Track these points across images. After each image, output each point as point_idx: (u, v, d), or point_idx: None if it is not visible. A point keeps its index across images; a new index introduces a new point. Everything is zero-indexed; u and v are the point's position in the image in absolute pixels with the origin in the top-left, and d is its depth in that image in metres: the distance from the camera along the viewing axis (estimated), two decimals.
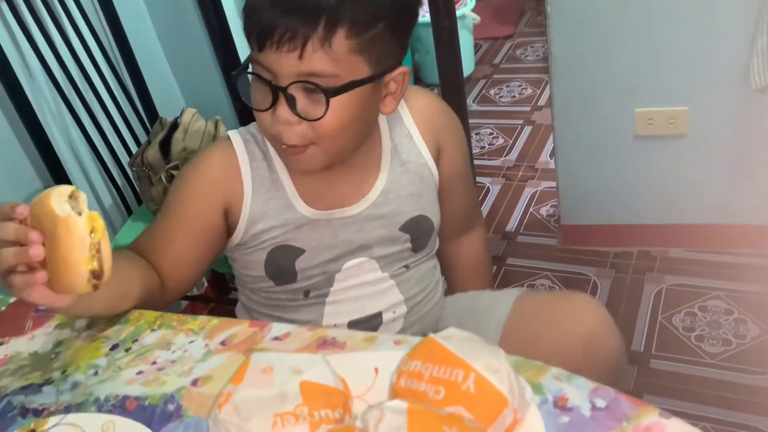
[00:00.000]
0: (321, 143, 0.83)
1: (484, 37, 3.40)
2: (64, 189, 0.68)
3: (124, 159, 1.81)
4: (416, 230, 0.97)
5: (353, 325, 0.96)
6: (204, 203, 0.92)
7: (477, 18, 2.99)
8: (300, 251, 0.93)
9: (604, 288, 1.92)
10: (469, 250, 1.15)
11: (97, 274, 0.66)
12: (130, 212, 1.83)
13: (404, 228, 0.96)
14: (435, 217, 0.99)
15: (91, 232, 0.66)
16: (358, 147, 0.90)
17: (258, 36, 0.77)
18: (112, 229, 1.90)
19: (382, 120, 0.95)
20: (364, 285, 0.96)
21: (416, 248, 0.98)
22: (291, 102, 0.79)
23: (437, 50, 1.27)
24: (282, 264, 0.93)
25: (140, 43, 1.92)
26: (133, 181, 1.82)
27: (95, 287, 0.67)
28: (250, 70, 0.82)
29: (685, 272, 1.90)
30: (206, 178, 0.93)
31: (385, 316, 0.97)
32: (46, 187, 1.80)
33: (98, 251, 0.66)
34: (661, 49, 1.68)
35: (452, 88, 1.30)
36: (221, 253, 0.97)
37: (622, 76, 1.75)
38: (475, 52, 3.28)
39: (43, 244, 0.65)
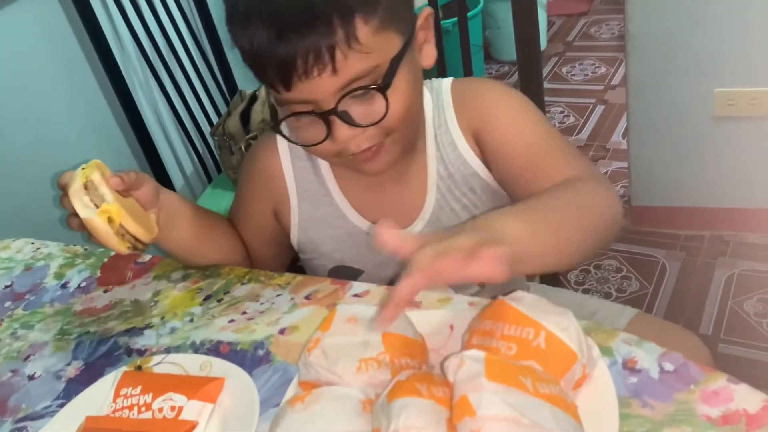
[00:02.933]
0: (393, 134, 0.77)
1: (558, 13, 3.35)
2: (78, 184, 0.77)
3: (206, 129, 1.90)
4: None
5: None
6: (256, 201, 0.94)
7: None
8: (359, 272, 0.91)
9: (673, 271, 1.90)
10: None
11: (135, 245, 0.79)
12: (210, 179, 1.92)
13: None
14: None
15: (110, 221, 0.76)
16: (421, 121, 0.84)
17: (280, 76, 0.70)
18: (193, 195, 2.01)
19: (427, 123, 0.87)
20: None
21: None
22: (347, 118, 0.72)
23: (516, 23, 1.26)
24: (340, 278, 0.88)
25: (223, 17, 1.99)
26: (214, 150, 1.91)
27: (143, 248, 0.81)
28: (286, 114, 0.75)
29: (759, 258, 1.85)
30: (254, 176, 0.94)
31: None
32: (133, 152, 1.91)
33: (125, 232, 0.77)
34: (743, 26, 1.64)
35: (529, 64, 1.30)
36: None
37: (702, 55, 1.72)
38: (548, 29, 3.24)
39: None
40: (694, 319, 1.74)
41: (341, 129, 0.73)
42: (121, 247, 0.78)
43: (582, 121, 2.61)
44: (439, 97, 0.87)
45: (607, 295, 1.88)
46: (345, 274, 0.92)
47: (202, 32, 1.91)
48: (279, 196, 0.92)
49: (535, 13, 1.28)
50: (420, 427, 0.55)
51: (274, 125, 0.77)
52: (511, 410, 0.51)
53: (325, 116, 0.72)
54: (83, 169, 0.79)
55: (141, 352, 0.83)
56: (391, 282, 0.86)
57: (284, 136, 0.80)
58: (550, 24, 3.28)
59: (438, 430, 0.54)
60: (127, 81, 1.72)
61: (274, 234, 0.97)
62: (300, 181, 0.90)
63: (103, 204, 0.76)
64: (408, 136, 0.81)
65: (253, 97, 1.79)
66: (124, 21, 1.68)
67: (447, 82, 0.88)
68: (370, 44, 0.69)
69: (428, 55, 0.80)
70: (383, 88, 0.72)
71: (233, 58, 1.99)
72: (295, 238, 0.95)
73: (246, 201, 0.97)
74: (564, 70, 2.97)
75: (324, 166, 0.90)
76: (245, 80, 2.03)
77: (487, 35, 3.04)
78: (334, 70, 0.69)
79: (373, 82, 0.71)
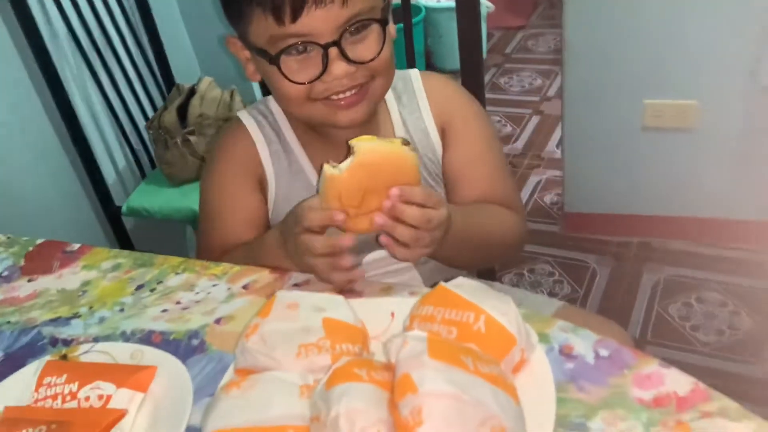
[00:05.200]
0: (375, 80, 0.82)
1: (497, 26, 3.42)
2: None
3: (141, 123, 1.84)
4: None
5: None
6: (247, 190, 0.93)
7: (491, 6, 3.02)
8: None
9: (603, 276, 1.96)
10: None
11: None
12: (144, 175, 1.87)
13: None
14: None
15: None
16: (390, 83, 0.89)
17: (294, 2, 0.74)
18: (125, 190, 1.94)
19: (394, 112, 0.93)
20: (388, 275, 0.95)
21: None
22: (345, 53, 0.77)
23: (459, 33, 1.28)
24: None
25: (161, 10, 1.95)
26: (149, 145, 1.86)
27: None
28: (284, 46, 0.78)
29: (684, 264, 1.93)
30: (236, 168, 0.94)
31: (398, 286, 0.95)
32: (64, 146, 1.84)
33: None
34: (674, 42, 1.71)
35: (472, 73, 1.32)
36: None
37: (634, 68, 1.79)
38: (488, 41, 3.30)
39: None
40: (622, 322, 1.79)
41: (338, 64, 0.77)
42: None
43: (518, 130, 2.67)
44: (408, 84, 0.94)
45: None
46: None
47: (139, 22, 1.86)
48: (261, 179, 0.94)
49: (478, 23, 1.30)
50: (361, 410, 0.54)
51: (271, 59, 0.79)
52: (453, 387, 0.51)
53: (326, 48, 0.76)
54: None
55: (67, 342, 0.80)
56: (357, 253, 0.89)
57: (281, 71, 0.80)
58: (489, 36, 3.35)
59: (380, 412, 0.54)
60: (59, 71, 1.65)
61: (266, 219, 0.96)
62: (276, 163, 0.93)
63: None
64: (384, 87, 0.86)
65: (191, 91, 1.75)
66: (57, 9, 1.61)
67: (415, 72, 0.95)
68: None
69: (392, 29, 0.86)
70: (383, 21, 0.79)
71: (171, 51, 1.95)
72: (271, 215, 0.95)
73: (235, 195, 0.94)
74: (502, 80, 3.03)
75: (296, 146, 0.93)
76: (183, 73, 1.98)
77: (429, 44, 3.08)
78: (345, 2, 0.75)
79: (371, 19, 0.78)
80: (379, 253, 0.90)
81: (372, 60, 0.79)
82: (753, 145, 1.79)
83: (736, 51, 1.67)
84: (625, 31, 1.75)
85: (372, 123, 0.90)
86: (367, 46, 0.79)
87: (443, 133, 0.94)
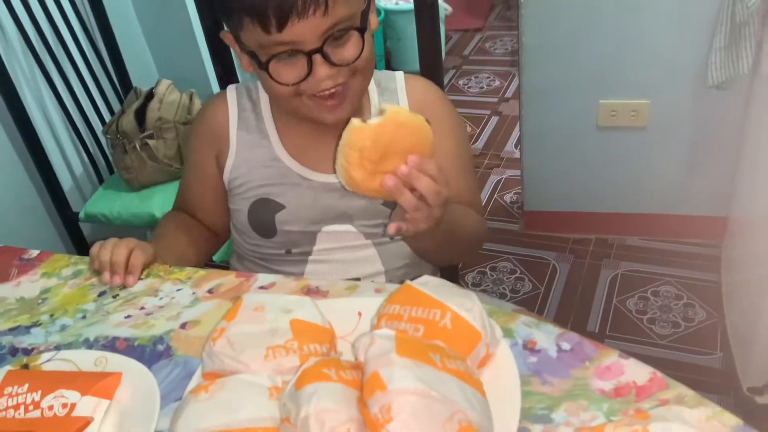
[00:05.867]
0: (356, 77, 0.88)
1: (455, 28, 3.46)
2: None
3: (98, 127, 1.81)
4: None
5: None
6: (203, 152, 1.01)
7: (449, 9, 3.05)
8: (280, 206, 0.96)
9: (562, 272, 2.00)
10: None
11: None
12: (101, 180, 1.83)
13: (388, 204, 0.97)
14: None
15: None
16: (371, 79, 0.95)
17: (278, 15, 0.79)
18: (83, 197, 1.90)
19: (374, 104, 0.98)
20: (347, 249, 0.98)
21: None
22: (327, 58, 0.83)
23: (419, 35, 1.29)
24: (263, 218, 0.97)
25: (116, 12, 1.92)
26: (106, 150, 1.82)
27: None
28: (272, 55, 0.83)
29: (640, 259, 1.99)
30: (201, 127, 1.02)
31: (363, 283, 0.99)
32: (18, 151, 1.80)
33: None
34: (627, 43, 1.76)
35: (431, 75, 1.33)
36: None
37: (589, 69, 1.83)
38: (446, 43, 3.33)
39: None
40: (582, 316, 1.84)
41: (322, 67, 0.83)
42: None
43: (477, 131, 2.71)
44: (392, 82, 1.00)
45: (502, 296, 1.95)
46: (266, 207, 0.97)
47: (93, 24, 1.82)
48: (221, 145, 0.99)
49: (437, 25, 1.32)
50: (331, 409, 0.54)
51: (260, 65, 0.85)
52: (421, 384, 0.52)
53: (310, 55, 0.82)
54: None
55: (27, 351, 0.78)
56: (313, 222, 0.96)
57: (270, 75, 0.86)
58: (447, 38, 3.39)
59: (350, 411, 0.54)
60: (11, 75, 1.61)
61: (216, 180, 1.02)
62: (242, 129, 0.99)
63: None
64: (364, 82, 0.91)
65: (149, 95, 1.73)
66: (7, 9, 1.57)
67: (400, 73, 1.02)
68: None
69: (374, 21, 0.91)
70: (362, 30, 0.84)
71: (128, 53, 1.92)
72: (227, 177, 1.00)
73: (197, 164, 1.03)
74: (461, 82, 3.06)
75: (267, 117, 0.99)
76: (140, 77, 1.95)
77: (388, 46, 3.10)
78: (326, 12, 0.80)
79: (354, 25, 0.84)
80: (340, 227, 0.96)
81: (353, 62, 0.85)
82: (702, 143, 1.86)
83: (686, 53, 1.72)
84: (580, 33, 1.78)
85: (356, 112, 0.95)
86: (348, 49, 0.85)
87: None
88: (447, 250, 0.93)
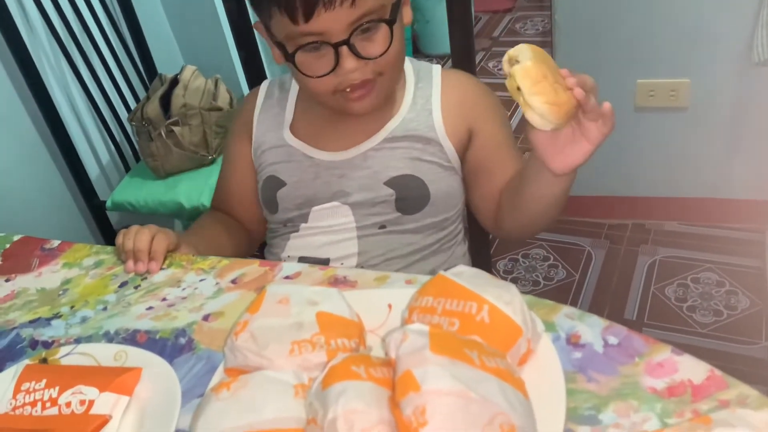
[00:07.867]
0: (384, 75, 0.86)
1: (484, 9, 3.38)
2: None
3: (123, 115, 1.79)
4: (403, 188, 0.94)
5: (302, 261, 0.97)
6: (239, 143, 1.03)
7: None
8: (282, 183, 0.97)
9: (598, 258, 1.93)
10: None
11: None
12: (127, 168, 1.82)
13: (390, 183, 0.94)
14: (433, 186, 0.96)
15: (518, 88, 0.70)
16: (401, 77, 0.94)
17: (304, 5, 0.78)
18: (109, 185, 1.89)
19: (409, 93, 0.97)
20: (332, 228, 0.96)
21: (402, 208, 0.96)
22: (354, 50, 0.82)
23: (450, 16, 1.24)
24: (267, 194, 0.99)
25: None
26: (132, 137, 1.81)
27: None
28: (301, 43, 0.82)
29: (679, 245, 1.91)
30: (237, 121, 1.06)
31: (332, 265, 0.96)
32: (44, 140, 1.80)
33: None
34: (666, 20, 1.68)
35: (463, 57, 1.28)
36: None
37: (626, 47, 1.75)
38: (474, 25, 3.26)
39: None
40: (619, 304, 1.78)
41: (349, 60, 0.82)
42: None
43: (508, 114, 2.64)
44: (428, 74, 0.98)
45: (535, 283, 1.90)
46: (272, 184, 0.99)
47: (118, 11, 1.80)
48: (249, 132, 1.02)
49: (469, 6, 1.27)
50: (361, 410, 0.51)
51: (288, 56, 0.84)
52: (458, 384, 0.47)
53: (337, 47, 0.81)
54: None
55: (47, 344, 0.76)
56: (307, 199, 0.96)
57: (295, 66, 0.85)
58: (476, 19, 3.31)
59: (380, 412, 0.50)
60: (37, 64, 1.59)
61: (254, 172, 1.03)
62: (263, 113, 1.01)
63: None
64: (393, 80, 0.90)
65: (174, 81, 1.70)
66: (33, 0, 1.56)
67: (437, 67, 1.00)
68: None
69: (407, 14, 0.90)
70: (391, 21, 0.82)
71: (152, 40, 1.90)
72: (253, 159, 1.02)
73: (234, 156, 1.05)
74: (491, 64, 2.99)
75: (290, 104, 1.00)
76: (165, 63, 1.93)
77: (416, 29, 3.04)
78: (353, 3, 0.79)
79: (384, 17, 0.82)
80: (325, 205, 0.96)
81: (381, 56, 0.83)
82: (745, 124, 1.77)
83: (728, 28, 1.64)
84: (615, 9, 1.71)
85: (388, 101, 0.95)
86: (376, 43, 0.83)
87: (468, 132, 0.97)
88: (564, 200, 0.87)
